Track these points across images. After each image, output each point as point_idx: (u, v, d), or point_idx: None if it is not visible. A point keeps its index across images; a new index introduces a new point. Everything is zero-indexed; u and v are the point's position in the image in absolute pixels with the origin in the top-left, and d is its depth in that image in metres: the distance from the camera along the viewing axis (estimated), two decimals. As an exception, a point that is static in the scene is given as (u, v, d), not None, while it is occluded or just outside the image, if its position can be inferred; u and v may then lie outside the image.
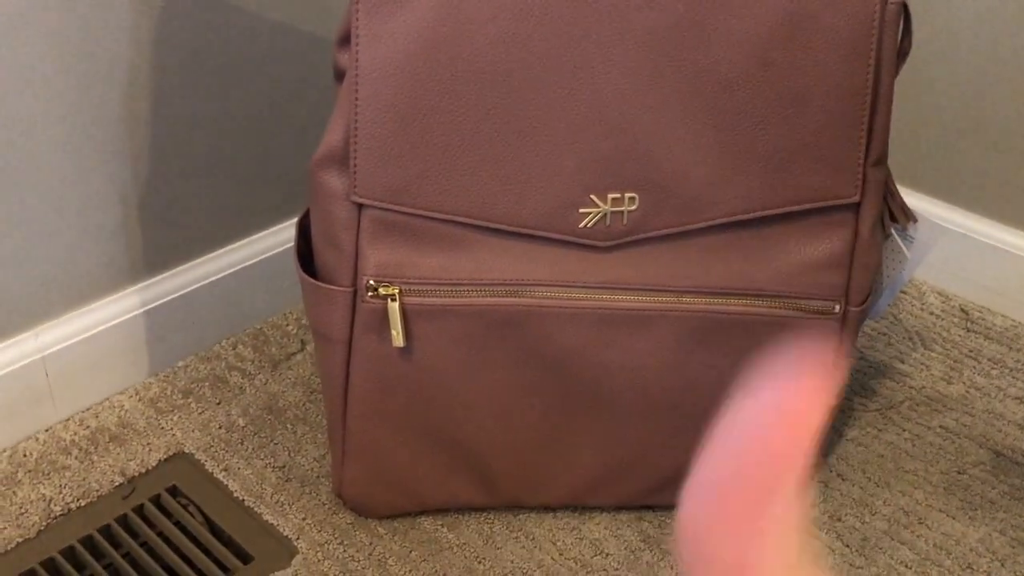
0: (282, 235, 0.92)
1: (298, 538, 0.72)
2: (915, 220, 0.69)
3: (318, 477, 0.77)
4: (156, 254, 0.84)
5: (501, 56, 0.58)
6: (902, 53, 0.63)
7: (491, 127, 0.60)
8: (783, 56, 0.60)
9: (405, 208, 0.61)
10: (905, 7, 0.61)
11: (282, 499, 0.75)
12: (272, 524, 0.73)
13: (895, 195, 0.68)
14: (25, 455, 0.78)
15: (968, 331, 0.98)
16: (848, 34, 0.60)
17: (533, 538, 0.74)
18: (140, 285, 0.84)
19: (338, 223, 0.62)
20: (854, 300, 0.67)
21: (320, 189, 0.62)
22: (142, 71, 0.76)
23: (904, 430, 0.85)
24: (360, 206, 0.62)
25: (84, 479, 0.76)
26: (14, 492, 0.75)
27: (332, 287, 0.64)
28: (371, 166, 0.60)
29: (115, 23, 0.73)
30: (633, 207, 0.62)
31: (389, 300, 0.63)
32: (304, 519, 0.74)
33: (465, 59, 0.58)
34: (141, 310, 0.84)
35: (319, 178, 0.62)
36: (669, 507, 0.77)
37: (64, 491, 0.75)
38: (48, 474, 0.76)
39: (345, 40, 0.61)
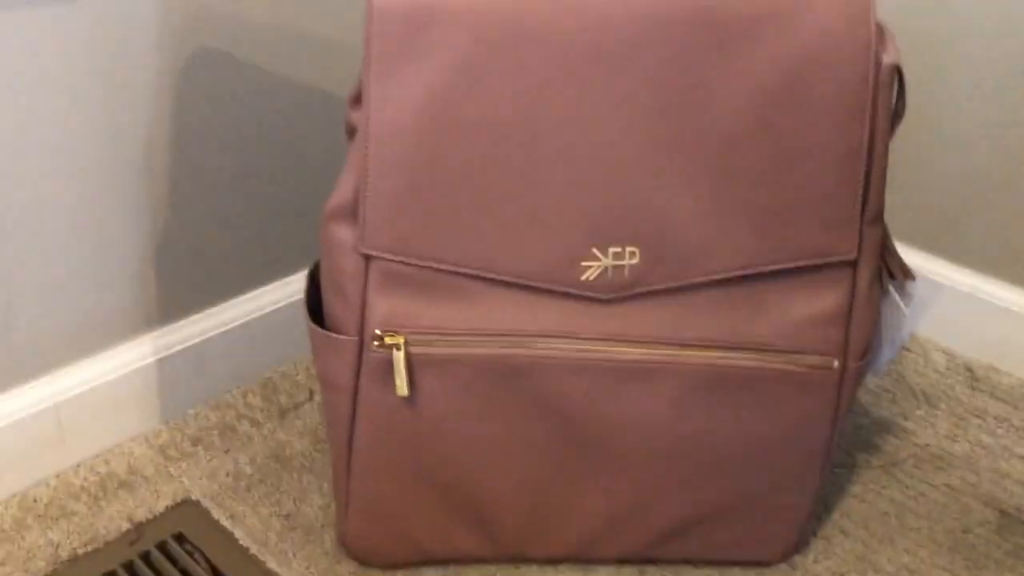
0: (293, 287, 0.94)
1: (301, 587, 0.73)
2: (913, 277, 0.70)
3: (322, 526, 0.78)
4: (170, 303, 0.86)
5: (506, 116, 0.60)
6: (896, 114, 0.65)
7: (496, 183, 0.62)
8: (781, 117, 0.62)
9: (411, 260, 0.63)
10: (898, 70, 0.63)
11: (286, 547, 0.76)
12: (276, 572, 0.74)
13: (892, 252, 0.69)
14: (35, 500, 0.79)
15: (973, 389, 0.98)
16: (843, 96, 0.61)
17: (535, 590, 0.74)
18: (154, 333, 0.86)
19: (346, 274, 0.64)
20: (853, 355, 0.68)
21: (330, 241, 0.64)
22: (161, 126, 0.79)
23: (908, 487, 0.85)
24: (368, 257, 0.63)
25: (92, 524, 0.77)
26: (23, 537, 0.76)
27: (339, 336, 0.65)
28: (379, 219, 0.62)
29: (136, 81, 0.76)
30: (634, 261, 0.64)
31: (394, 350, 0.64)
32: (308, 568, 0.74)
33: (471, 119, 0.60)
34: (154, 358, 0.85)
35: (329, 230, 0.64)
36: (671, 561, 0.77)
37: (72, 536, 0.76)
38: (57, 519, 0.77)
39: (357, 100, 0.63)
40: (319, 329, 0.66)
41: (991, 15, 0.92)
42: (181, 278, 0.86)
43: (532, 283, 0.64)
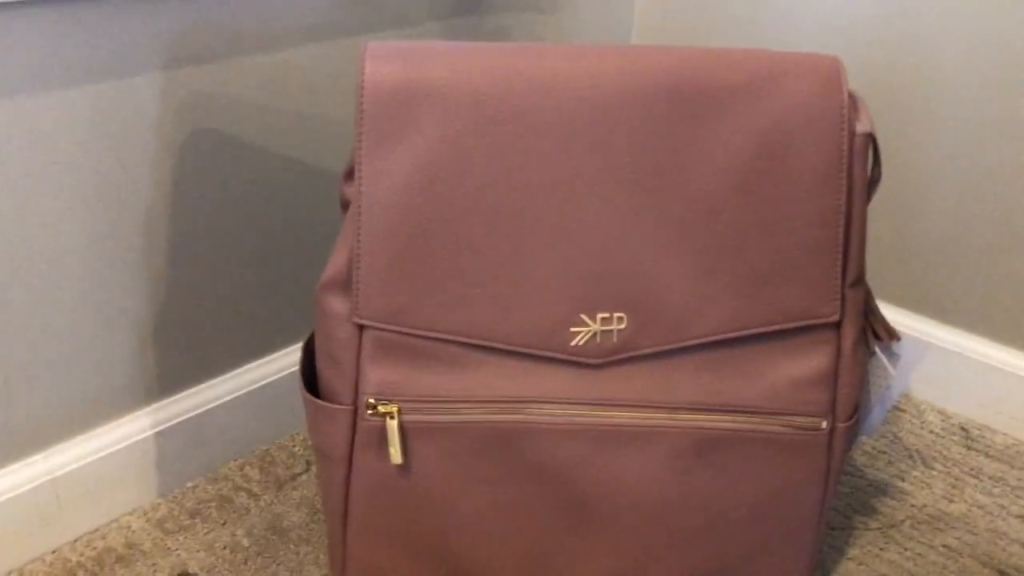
0: (289, 359, 0.96)
1: (297, 660, 0.73)
2: (898, 338, 0.71)
3: (319, 598, 0.78)
4: (167, 378, 0.87)
5: (494, 189, 0.63)
6: (873, 181, 0.67)
7: (485, 254, 0.63)
8: (760, 185, 0.64)
9: (404, 329, 0.64)
10: (873, 138, 0.65)
11: (283, 620, 0.76)
12: (272, 645, 0.74)
13: (876, 313, 0.70)
14: (32, 576, 0.79)
15: (969, 449, 0.98)
16: (819, 164, 0.64)
17: (532, 660, 0.73)
18: (151, 407, 0.87)
19: (340, 343, 0.65)
20: (841, 416, 0.68)
21: (324, 311, 0.66)
22: (159, 203, 0.81)
23: (906, 549, 0.85)
24: (361, 327, 0.65)
25: (88, 600, 0.77)
26: (19, 613, 0.76)
27: (333, 405, 0.66)
28: (372, 290, 0.64)
29: (136, 160, 0.79)
30: (622, 326, 0.65)
31: (388, 418, 0.65)
32: (304, 640, 0.74)
33: (459, 193, 0.62)
34: (152, 432, 0.86)
35: (323, 301, 0.65)
36: (669, 628, 0.76)
37: (68, 612, 0.76)
38: (53, 595, 0.77)
39: (351, 174, 0.65)
40: (314, 399, 0.67)
41: (967, 82, 0.95)
42: (178, 352, 0.87)
43: (523, 350, 0.65)
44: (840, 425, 0.68)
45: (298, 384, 0.69)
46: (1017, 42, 0.91)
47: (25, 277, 0.75)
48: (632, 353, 0.66)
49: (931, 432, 1.01)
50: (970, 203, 0.98)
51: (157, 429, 0.87)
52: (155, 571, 0.80)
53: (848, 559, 0.84)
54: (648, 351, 0.66)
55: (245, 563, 0.81)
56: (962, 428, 1.01)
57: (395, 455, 0.66)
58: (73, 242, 0.77)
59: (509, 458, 0.67)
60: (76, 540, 0.83)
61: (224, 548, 0.83)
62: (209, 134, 0.83)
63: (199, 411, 0.89)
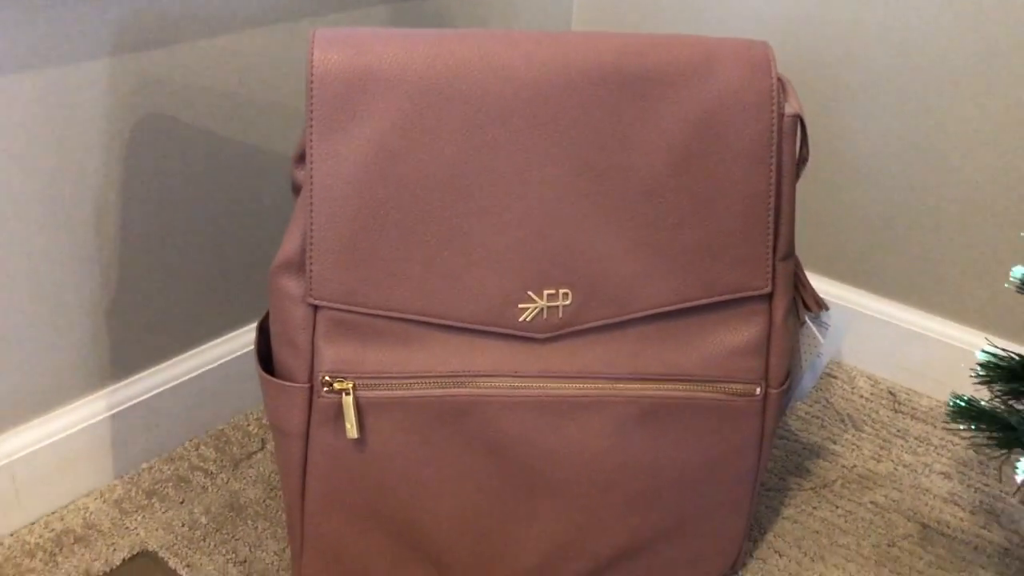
0: (241, 339, 0.97)
1: (259, 630, 0.75)
2: (826, 308, 0.75)
3: (278, 570, 0.80)
4: (121, 361, 0.88)
5: (442, 171, 0.65)
6: (801, 159, 0.71)
7: (435, 234, 0.66)
8: (696, 166, 0.67)
9: (357, 308, 0.67)
10: (800, 120, 0.69)
11: (243, 593, 0.78)
12: (233, 618, 0.76)
13: (806, 285, 0.75)
14: (-10, 559, 0.80)
15: (895, 412, 1.04)
16: (750, 145, 0.67)
17: (487, 622, 0.77)
18: (106, 390, 0.88)
19: (295, 324, 0.67)
20: (773, 382, 0.73)
21: (278, 293, 0.68)
22: (110, 186, 0.82)
23: (837, 507, 0.90)
24: (315, 307, 0.67)
25: (49, 580, 0.78)
26: (-21, 595, 0.77)
27: (290, 384, 0.68)
28: (325, 271, 0.66)
29: (86, 145, 0.79)
30: (567, 302, 0.68)
31: (343, 394, 0.68)
32: (265, 611, 0.76)
33: (410, 174, 0.65)
34: (107, 414, 0.87)
35: (277, 283, 0.67)
36: (616, 587, 0.80)
37: (29, 593, 0.77)
38: (13, 577, 0.79)
39: (301, 159, 0.67)
40: (271, 378, 0.69)
41: (893, 63, 0.99)
42: (132, 335, 0.88)
43: (473, 326, 0.68)
44: (773, 391, 0.73)
45: (254, 364, 0.71)
46: (940, 21, 0.96)
47: (-24, 264, 0.76)
48: (577, 327, 0.69)
49: (861, 397, 1.06)
50: (896, 179, 1.03)
51: (112, 411, 0.88)
52: (114, 550, 0.82)
53: (783, 518, 0.88)
54: (592, 325, 0.69)
55: (204, 540, 0.83)
56: (890, 392, 1.07)
57: (351, 430, 0.68)
58: (24, 228, 0.78)
59: (461, 430, 0.70)
60: (34, 523, 0.84)
61: (183, 526, 0.84)
62: (158, 119, 0.83)
63: (153, 392, 0.91)
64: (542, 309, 0.68)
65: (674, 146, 0.67)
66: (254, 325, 0.99)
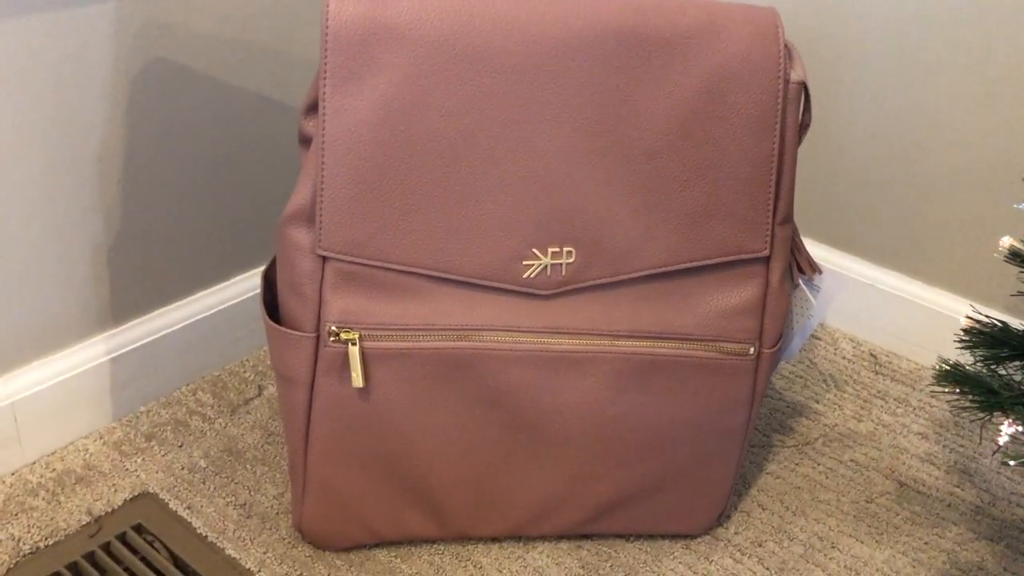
0: (240, 286, 0.98)
1: (259, 571, 0.77)
2: (820, 271, 0.78)
3: (277, 514, 0.82)
4: (122, 305, 0.89)
5: (453, 127, 0.66)
6: (804, 126, 0.72)
7: (443, 189, 0.67)
8: (700, 129, 0.68)
9: (365, 260, 0.68)
10: (805, 87, 0.70)
11: (244, 535, 0.80)
12: (235, 558, 0.78)
13: (801, 249, 0.76)
14: (-7, 497, 0.81)
15: (877, 374, 1.07)
16: (756, 110, 0.68)
17: (481, 567, 0.79)
18: (106, 334, 0.89)
19: (304, 274, 0.68)
20: (767, 343, 0.75)
21: (287, 243, 0.68)
22: (113, 131, 0.82)
23: (818, 464, 0.93)
24: (324, 259, 0.68)
25: (52, 519, 0.80)
26: (-17, 532, 0.78)
27: (297, 333, 0.70)
28: (335, 223, 0.67)
29: (89, 88, 0.79)
30: (571, 260, 0.70)
31: (350, 344, 0.69)
32: (265, 553, 0.78)
33: (420, 129, 0.65)
34: (107, 357, 0.88)
35: (287, 233, 0.68)
36: (605, 536, 0.83)
37: (32, 531, 0.78)
38: (16, 515, 0.80)
39: (311, 109, 0.68)
40: (278, 326, 0.70)
41: (888, 29, 1.00)
42: (132, 280, 0.89)
43: (477, 281, 0.69)
44: (766, 351, 0.75)
45: (260, 313, 0.72)
46: (936, -6, 0.97)
47: (-20, 205, 0.76)
48: (579, 285, 0.71)
49: (843, 358, 1.09)
50: (885, 145, 1.05)
51: (112, 355, 0.89)
52: (116, 491, 0.83)
53: (767, 473, 0.91)
54: (593, 283, 0.71)
55: (203, 483, 0.85)
56: (871, 354, 1.10)
57: (356, 379, 0.69)
58: (27, 171, 0.78)
59: (463, 382, 0.72)
60: (35, 462, 0.85)
61: (182, 469, 0.86)
62: (162, 64, 0.83)
63: (151, 337, 0.91)
64: (546, 266, 0.70)
65: (680, 109, 0.68)
66: (251, 273, 0.99)
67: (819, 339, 1.12)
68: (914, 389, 1.04)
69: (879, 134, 1.05)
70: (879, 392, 1.04)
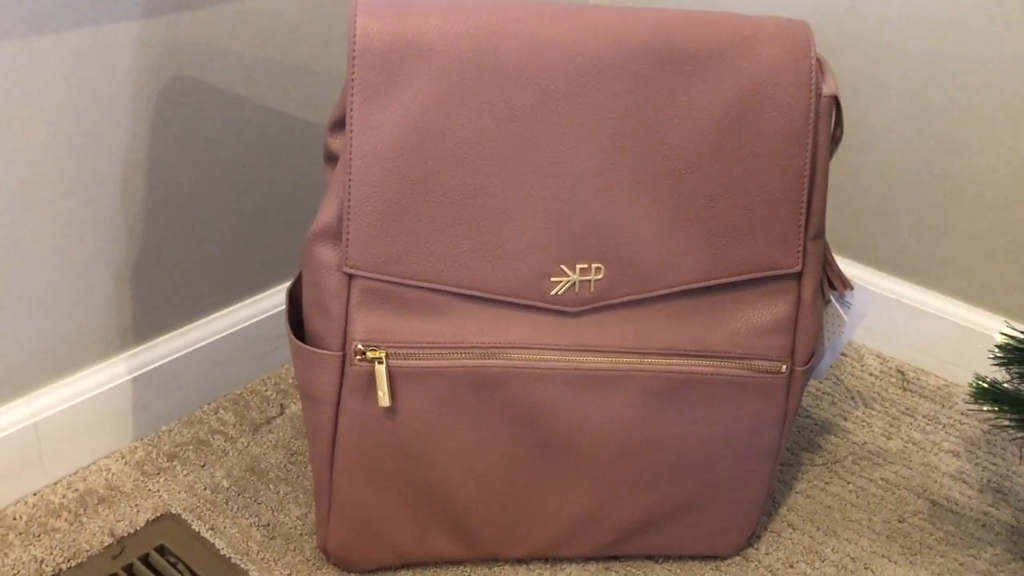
0: (261, 304, 0.97)
1: (284, 593, 0.76)
2: (852, 287, 0.76)
3: (301, 535, 0.81)
4: (143, 324, 0.88)
5: (480, 143, 0.65)
6: (835, 140, 0.71)
7: (471, 206, 0.66)
8: (732, 144, 0.67)
9: (392, 278, 0.67)
10: (836, 100, 0.69)
11: (267, 556, 0.79)
12: (258, 580, 0.77)
13: (833, 265, 0.75)
14: (15, 518, 0.80)
15: (905, 390, 1.05)
16: (788, 125, 0.67)
17: (508, 589, 0.78)
18: (128, 353, 0.88)
19: (330, 292, 0.68)
20: (799, 360, 0.73)
21: (314, 261, 0.68)
22: (136, 149, 0.82)
23: (848, 483, 0.91)
24: (351, 276, 0.67)
25: (74, 540, 0.79)
26: (5, 554, 0.77)
27: (322, 351, 0.69)
28: (362, 241, 0.66)
29: (114, 107, 0.79)
30: (599, 276, 0.69)
31: (376, 363, 0.68)
32: (289, 575, 0.77)
33: (448, 146, 0.65)
34: (128, 377, 0.88)
35: (313, 251, 0.68)
36: (634, 557, 0.81)
37: (55, 552, 0.78)
38: (39, 536, 0.79)
39: (337, 126, 0.67)
40: (303, 345, 0.69)
41: (916, 46, 0.99)
42: (154, 299, 0.88)
43: (505, 298, 0.68)
44: (798, 369, 0.74)
45: (285, 331, 0.71)
46: (963, 2, 0.96)
47: (2, 222, 0.76)
48: (607, 302, 0.70)
49: (871, 375, 1.07)
50: (913, 160, 1.04)
51: (133, 374, 0.88)
52: (138, 512, 0.82)
53: (796, 492, 0.90)
54: (622, 300, 0.70)
55: (226, 503, 0.84)
56: (899, 371, 1.08)
57: (383, 398, 0.69)
58: (52, 188, 0.77)
59: (490, 401, 0.71)
60: (57, 483, 0.84)
61: (204, 489, 0.85)
62: (186, 82, 0.83)
63: (173, 356, 0.91)
64: (574, 283, 0.69)
65: (711, 123, 0.67)
66: (272, 291, 0.99)
67: (845, 355, 1.10)
68: (943, 406, 1.03)
69: (907, 147, 1.03)
70: (908, 409, 1.02)
